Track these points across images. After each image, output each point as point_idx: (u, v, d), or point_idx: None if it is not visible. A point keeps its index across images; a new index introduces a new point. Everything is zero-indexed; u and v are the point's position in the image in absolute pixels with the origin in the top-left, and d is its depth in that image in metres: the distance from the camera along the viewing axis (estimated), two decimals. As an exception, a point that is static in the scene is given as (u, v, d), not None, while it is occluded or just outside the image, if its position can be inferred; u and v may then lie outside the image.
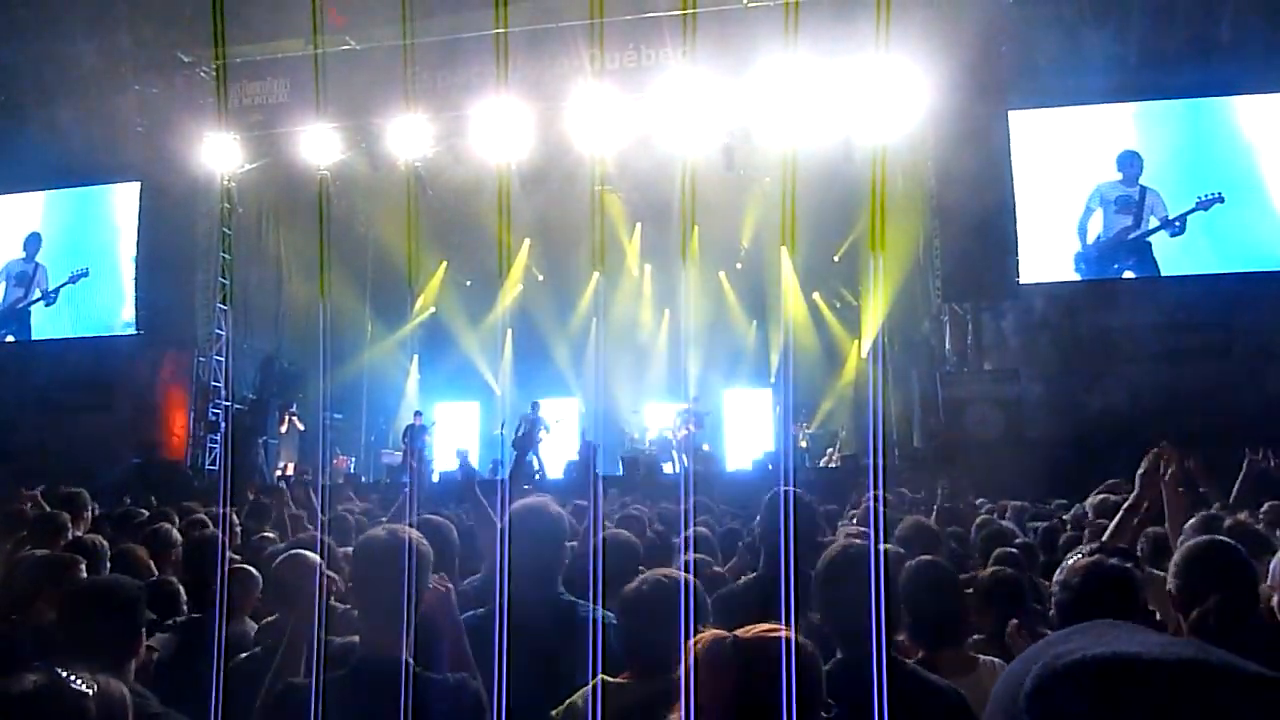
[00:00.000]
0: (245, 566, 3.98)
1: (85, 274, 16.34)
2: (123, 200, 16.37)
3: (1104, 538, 4.17)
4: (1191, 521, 4.13)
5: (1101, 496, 5.74)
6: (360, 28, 14.48)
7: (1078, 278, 13.73)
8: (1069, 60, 13.54)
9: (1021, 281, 13.65)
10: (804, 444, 15.98)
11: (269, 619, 3.64)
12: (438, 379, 19.66)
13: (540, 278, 19.44)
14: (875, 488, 5.26)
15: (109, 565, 4.12)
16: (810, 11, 12.92)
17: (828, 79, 13.08)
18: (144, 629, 2.76)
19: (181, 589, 3.79)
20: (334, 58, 14.46)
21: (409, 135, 14.60)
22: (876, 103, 12.92)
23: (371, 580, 2.44)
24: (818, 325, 18.07)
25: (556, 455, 16.17)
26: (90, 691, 1.49)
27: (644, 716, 2.26)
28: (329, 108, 14.45)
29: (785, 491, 3.44)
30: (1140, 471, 4.31)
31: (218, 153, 15.14)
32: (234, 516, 5.80)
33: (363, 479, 15.88)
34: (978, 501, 8.20)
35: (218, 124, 15.05)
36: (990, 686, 2.66)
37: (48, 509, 5.62)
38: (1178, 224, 13.37)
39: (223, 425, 15.57)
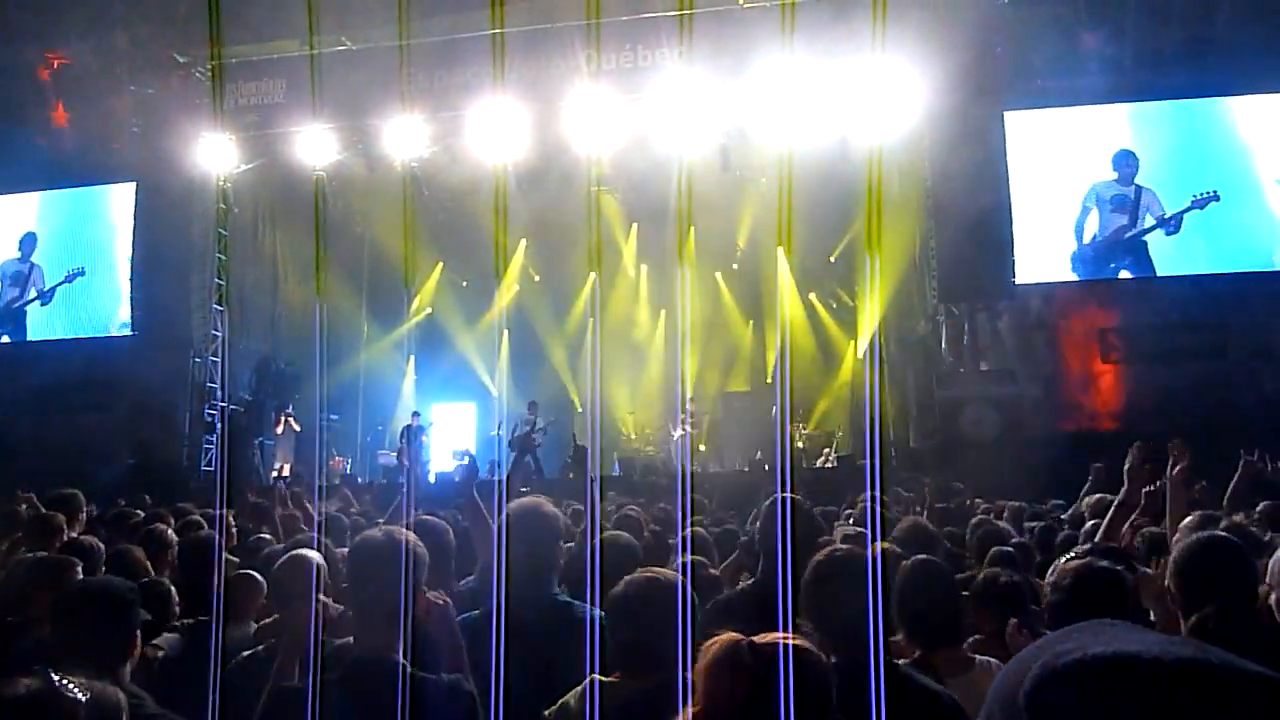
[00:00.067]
0: (250, 572, 3.98)
1: (81, 273, 16.31)
2: (118, 201, 16.34)
3: (1097, 537, 4.19)
4: (1188, 521, 4.14)
5: (1098, 496, 5.76)
6: (357, 28, 14.47)
7: (1074, 278, 13.75)
8: (1064, 61, 13.58)
9: (1017, 282, 13.67)
10: (800, 444, 15.98)
11: (266, 620, 3.64)
12: (434, 380, 19.63)
13: (537, 278, 19.43)
14: (872, 488, 5.25)
15: (105, 566, 4.11)
16: (806, 12, 12.93)
17: (824, 79, 13.09)
18: (139, 631, 2.75)
19: (173, 590, 3.78)
20: (330, 58, 14.44)
21: (405, 136, 14.58)
22: (872, 103, 12.93)
23: (366, 581, 2.44)
24: (814, 325, 18.07)
25: (553, 456, 16.17)
26: (84, 698, 1.48)
27: (634, 716, 2.26)
28: (325, 108, 14.43)
29: (783, 498, 3.44)
30: (1126, 467, 4.34)
31: (213, 153, 15.12)
32: (230, 518, 5.79)
33: (359, 480, 15.85)
34: (973, 502, 8.21)
35: (213, 124, 15.02)
36: (986, 687, 2.65)
37: (43, 510, 5.60)
38: (1173, 223, 13.40)
39: (218, 426, 15.54)
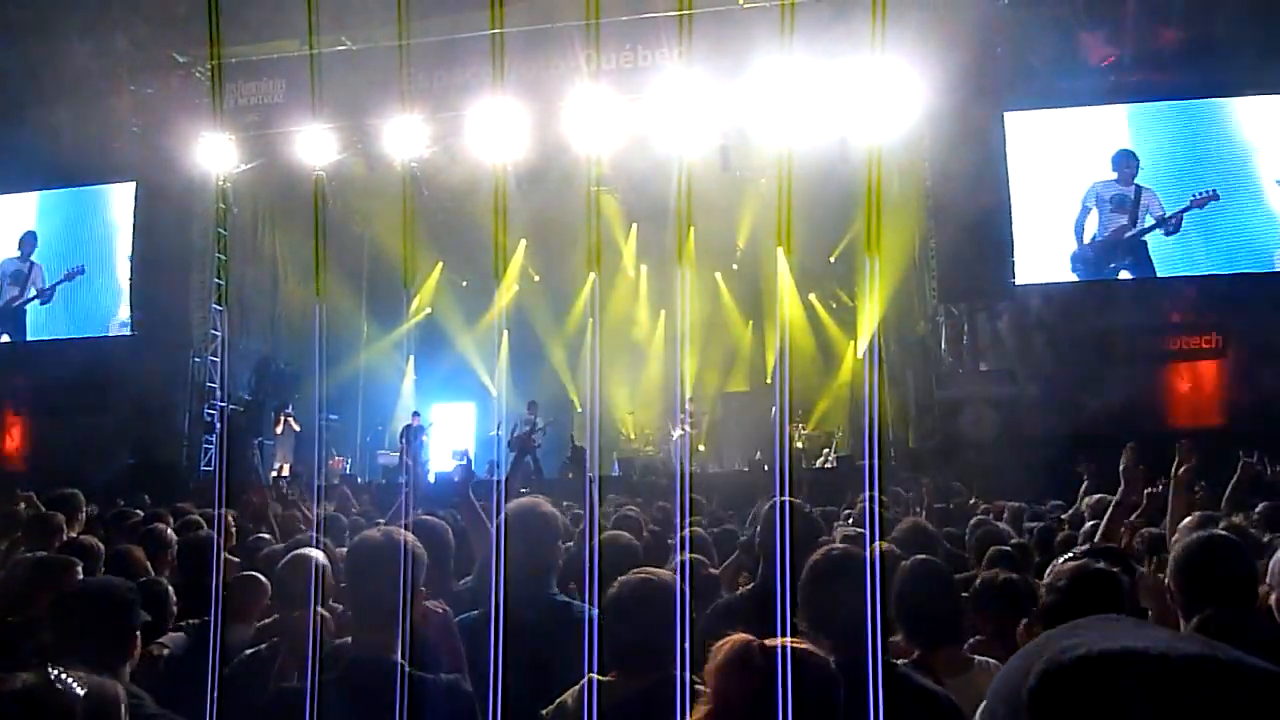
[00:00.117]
0: (254, 573, 3.98)
1: (81, 270, 16.31)
2: (118, 200, 16.34)
3: (1096, 537, 4.20)
4: (1187, 521, 4.15)
5: (1098, 496, 5.76)
6: (356, 28, 14.47)
7: (1074, 278, 13.75)
8: (1064, 61, 13.57)
9: (1017, 282, 13.66)
10: (800, 444, 15.98)
11: (265, 621, 3.64)
12: (433, 380, 19.63)
13: (536, 278, 19.44)
14: (871, 488, 5.26)
15: (105, 566, 4.11)
16: (806, 12, 12.93)
17: (824, 80, 13.09)
18: (138, 631, 2.75)
19: (171, 590, 3.78)
20: (330, 58, 14.44)
21: (405, 136, 14.58)
22: (872, 104, 12.93)
23: (364, 582, 2.44)
24: (814, 326, 18.08)
25: (552, 456, 16.17)
26: (82, 692, 1.48)
27: (631, 715, 2.26)
28: (325, 108, 14.42)
29: (782, 501, 3.43)
30: (1121, 468, 4.35)
31: (213, 153, 15.12)
32: (230, 518, 5.79)
33: (358, 480, 15.85)
34: (973, 502, 8.21)
35: (213, 124, 15.02)
36: (984, 686, 2.66)
37: (43, 510, 5.60)
38: (1173, 223, 13.40)
39: (218, 426, 15.54)
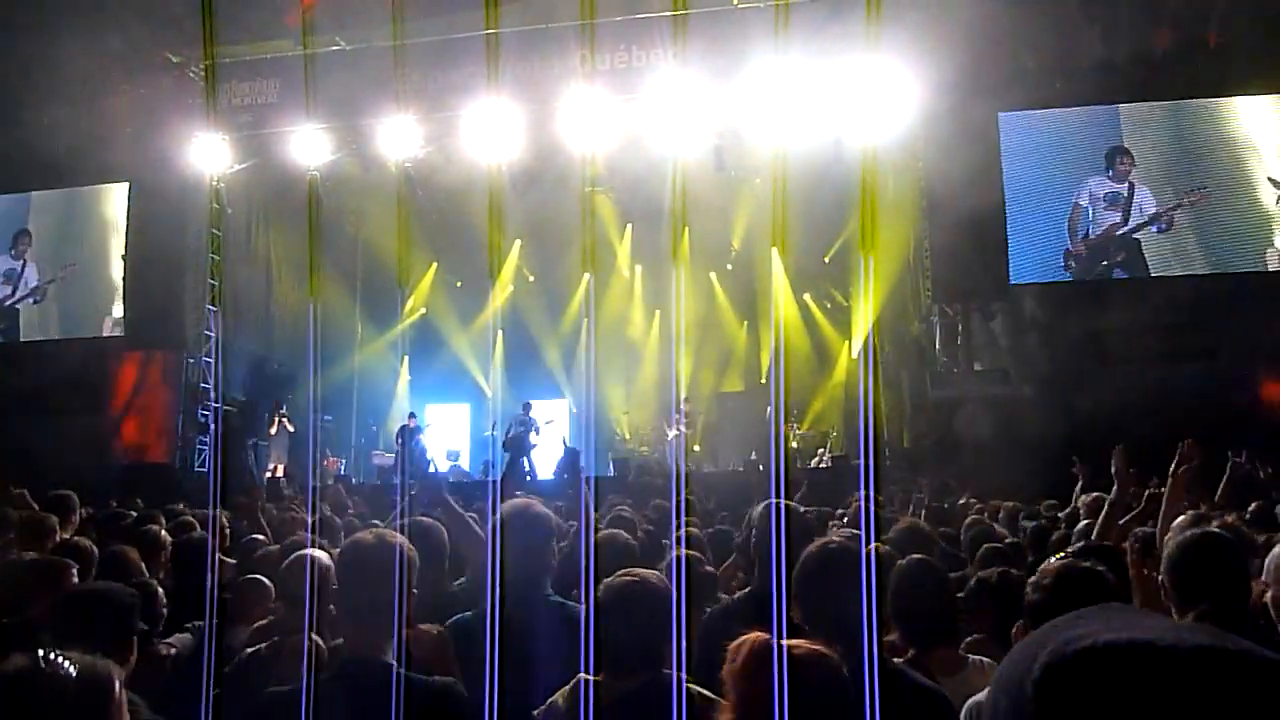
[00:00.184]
0: (257, 576, 3.97)
1: (75, 268, 16.26)
2: (112, 201, 16.30)
3: (1092, 536, 4.21)
4: (1180, 520, 4.15)
5: (1094, 495, 5.77)
6: (351, 28, 14.45)
7: (1068, 278, 13.78)
8: (1058, 62, 13.61)
9: (1011, 282, 13.70)
10: (795, 444, 15.99)
11: (260, 622, 3.64)
12: (428, 380, 19.60)
13: (531, 278, 19.42)
14: (865, 488, 5.26)
15: (100, 567, 4.09)
16: (801, 12, 12.95)
17: (818, 80, 13.10)
18: (136, 636, 2.75)
19: (160, 591, 3.78)
20: (324, 58, 14.41)
21: (399, 136, 14.56)
22: (867, 104, 12.94)
23: (356, 583, 2.43)
24: (808, 326, 18.08)
25: (547, 457, 16.15)
26: (74, 672, 1.49)
27: (620, 716, 2.26)
28: (319, 108, 14.40)
29: (777, 504, 3.43)
30: (1113, 470, 4.36)
31: (207, 153, 15.08)
32: (224, 519, 5.77)
33: (352, 480, 15.82)
34: (968, 502, 8.22)
35: (207, 124, 14.99)
36: (978, 685, 2.67)
37: (36, 510, 5.58)
38: (1165, 220, 13.44)
39: (212, 427, 15.50)
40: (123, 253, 16.05)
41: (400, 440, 16.63)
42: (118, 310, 16.05)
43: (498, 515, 3.16)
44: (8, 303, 16.49)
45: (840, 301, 18.08)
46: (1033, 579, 2.55)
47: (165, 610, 3.69)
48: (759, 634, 1.86)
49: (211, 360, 15.79)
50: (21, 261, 16.52)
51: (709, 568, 4.57)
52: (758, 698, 1.76)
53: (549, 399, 18.11)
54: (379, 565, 2.39)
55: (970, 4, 13.02)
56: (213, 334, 15.80)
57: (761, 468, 14.99)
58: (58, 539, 4.78)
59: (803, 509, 3.68)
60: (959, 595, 3.67)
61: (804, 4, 13.06)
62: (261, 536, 5.44)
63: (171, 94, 15.46)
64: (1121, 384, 12.45)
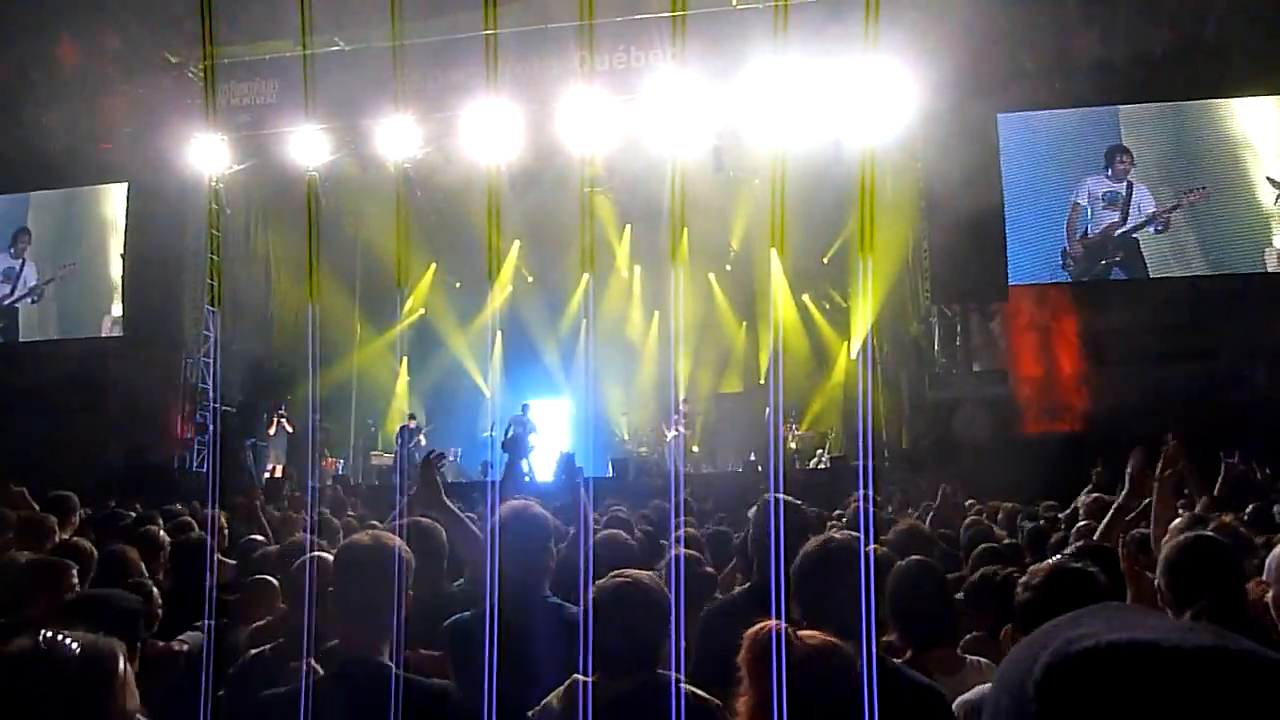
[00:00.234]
0: (265, 577, 3.98)
1: (74, 267, 16.25)
2: (110, 201, 16.29)
3: (1094, 537, 4.20)
4: (1177, 522, 4.15)
5: (1094, 496, 5.77)
6: (350, 28, 14.44)
7: (1066, 279, 13.79)
8: (1057, 63, 13.62)
9: (1010, 283, 13.70)
10: (794, 445, 15.99)
11: (259, 623, 3.64)
12: (427, 381, 19.59)
13: (530, 279, 19.42)
14: (864, 488, 5.26)
15: (99, 568, 4.09)
16: (800, 13, 12.95)
17: (817, 80, 13.10)
18: (140, 643, 2.75)
19: (155, 591, 3.78)
20: (323, 59, 14.41)
21: (398, 136, 14.56)
22: (866, 104, 12.94)
23: (352, 584, 2.43)
24: (807, 326, 18.08)
25: (546, 458, 16.14)
26: (77, 650, 1.49)
27: (613, 716, 2.26)
28: (318, 109, 14.40)
29: (776, 499, 3.43)
30: (1128, 472, 4.31)
31: (206, 154, 15.07)
32: (222, 519, 5.77)
33: (351, 481, 15.82)
34: (967, 503, 8.23)
35: (206, 125, 14.98)
36: (976, 685, 2.67)
37: (36, 510, 5.57)
38: (1162, 220, 13.45)
39: (211, 427, 15.50)
40: (121, 252, 16.05)
41: (400, 441, 16.63)
42: (116, 310, 16.05)
43: (496, 517, 3.16)
44: (6, 302, 16.49)
45: (839, 302, 18.07)
46: (1023, 579, 2.57)
47: (161, 611, 3.70)
48: (775, 622, 1.87)
49: (210, 360, 15.78)
50: (21, 261, 16.51)
51: (709, 568, 4.56)
52: (774, 686, 1.78)
53: (548, 399, 18.12)
54: (375, 567, 2.39)
55: (969, 4, 13.03)
56: (211, 334, 15.79)
57: (760, 468, 14.98)
58: (57, 539, 4.78)
59: (800, 503, 3.66)
60: (959, 595, 3.68)
61: (803, 4, 13.06)
62: (260, 537, 5.43)
63: (170, 94, 15.46)
64: (1120, 384, 12.47)
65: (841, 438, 16.46)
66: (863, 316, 15.48)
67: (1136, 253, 13.57)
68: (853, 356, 16.72)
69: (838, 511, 6.58)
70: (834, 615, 2.18)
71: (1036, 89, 13.62)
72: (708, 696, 2.38)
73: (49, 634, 1.50)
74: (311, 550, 3.32)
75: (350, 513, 8.05)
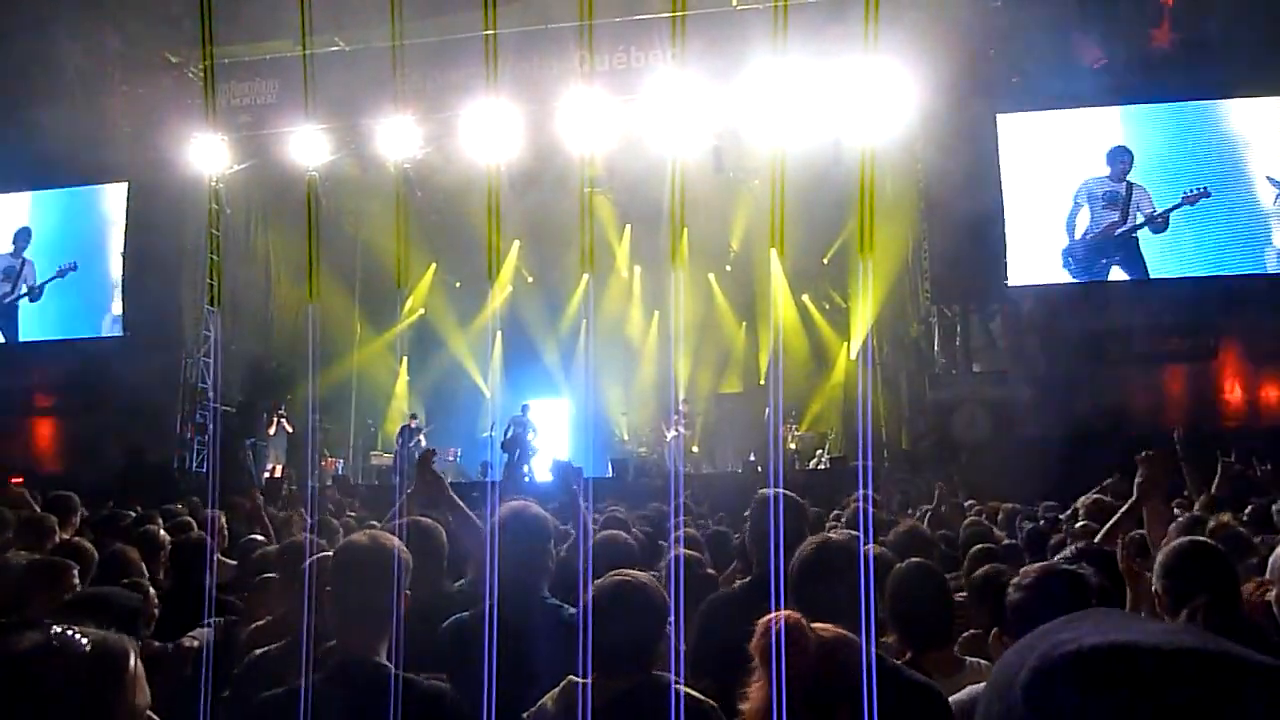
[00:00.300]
0: (272, 575, 3.98)
1: (74, 267, 16.26)
2: (110, 201, 16.30)
3: (1096, 539, 4.19)
4: (1179, 521, 4.15)
5: (1095, 498, 5.76)
6: (350, 28, 14.45)
7: (1066, 278, 13.79)
8: (1057, 64, 13.61)
9: (1010, 284, 13.70)
10: (793, 446, 16.00)
11: (259, 623, 3.64)
12: (427, 381, 19.61)
13: (530, 279, 19.44)
14: (864, 489, 5.26)
15: (100, 568, 4.09)
16: (800, 14, 12.95)
17: (817, 81, 13.10)
18: (139, 641, 2.75)
19: (152, 590, 3.79)
20: (323, 58, 14.42)
21: (398, 136, 14.56)
22: (866, 105, 12.95)
23: (350, 585, 2.44)
24: (807, 327, 18.10)
25: (544, 460, 16.15)
26: (88, 646, 1.50)
27: (610, 716, 2.27)
28: (318, 109, 14.40)
29: (775, 493, 3.43)
30: (1138, 480, 4.26)
31: (206, 154, 15.07)
32: (221, 519, 5.78)
33: (350, 481, 15.82)
34: (967, 504, 8.23)
35: (206, 125, 14.98)
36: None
37: (36, 510, 5.58)
38: (1161, 220, 13.46)
39: (210, 427, 15.50)
40: (122, 252, 16.05)
41: (401, 440, 16.64)
42: (116, 309, 16.05)
43: (496, 517, 3.17)
44: (7, 300, 16.49)
45: (839, 303, 18.09)
46: (1014, 580, 2.58)
47: (157, 610, 3.70)
48: (789, 612, 1.89)
49: (210, 360, 15.79)
50: (21, 260, 16.52)
51: (709, 569, 4.56)
52: (789, 673, 1.79)
53: (548, 399, 18.13)
54: (373, 567, 2.39)
55: (969, 4, 13.05)
56: (211, 334, 15.80)
57: (760, 469, 14.99)
58: (57, 539, 4.78)
59: (798, 498, 3.67)
60: (961, 595, 3.69)
61: (803, 5, 13.06)
62: (260, 537, 5.44)
63: (170, 94, 15.46)
64: (1120, 384, 12.48)
65: (841, 438, 16.47)
66: (862, 317, 15.50)
67: (1136, 253, 13.58)
68: (852, 357, 16.73)
69: (836, 512, 6.58)
70: (830, 615, 2.18)
71: (1036, 89, 13.61)
72: (703, 698, 2.38)
73: (60, 629, 1.50)
74: (311, 550, 3.33)
75: (350, 513, 8.05)
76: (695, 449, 17.20)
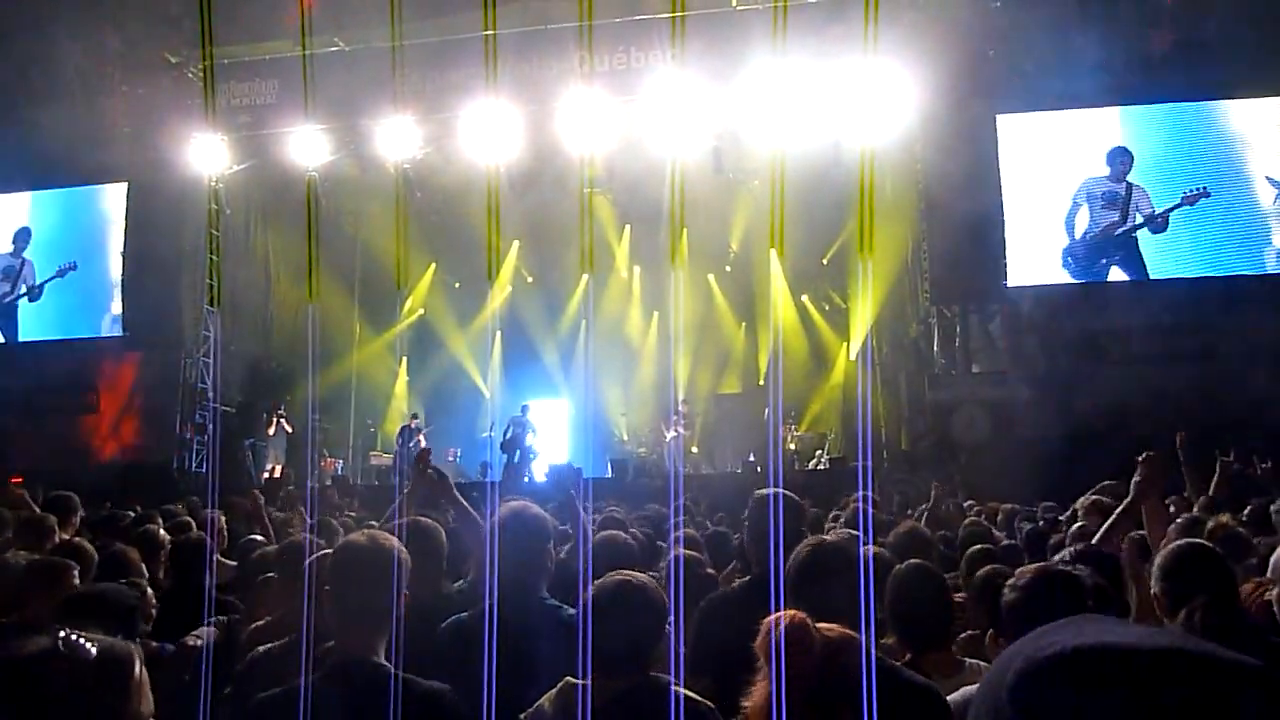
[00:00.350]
0: (274, 575, 3.98)
1: (73, 267, 16.27)
2: (110, 201, 16.31)
3: (1094, 540, 4.19)
4: (1179, 521, 4.15)
5: (1095, 499, 5.76)
6: (350, 29, 14.45)
7: (1066, 279, 13.79)
8: (1056, 64, 13.62)
9: (1009, 284, 13.71)
10: (793, 446, 16.00)
11: (259, 622, 3.64)
12: (426, 381, 19.61)
13: (529, 280, 19.44)
14: (863, 489, 5.26)
15: (100, 567, 4.09)
16: (799, 14, 12.96)
17: (817, 82, 13.11)
18: (139, 639, 2.75)
19: (150, 590, 3.79)
20: (323, 59, 14.42)
21: (398, 137, 14.57)
22: (865, 106, 12.95)
23: (349, 585, 2.44)
24: (806, 327, 18.10)
25: (544, 458, 16.15)
26: (94, 652, 1.50)
27: (608, 717, 2.27)
28: (318, 109, 14.40)
29: (773, 493, 3.43)
30: (1135, 480, 4.26)
31: (205, 154, 15.07)
32: (221, 519, 5.78)
33: (349, 481, 15.83)
34: (966, 504, 8.24)
35: (205, 125, 14.98)
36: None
37: (36, 510, 5.58)
38: (1160, 220, 13.46)
39: (210, 427, 15.50)
40: (121, 252, 16.05)
41: (401, 440, 16.64)
42: (116, 309, 16.05)
43: (495, 517, 3.17)
44: (7, 300, 16.49)
45: (838, 303, 18.09)
46: (1010, 580, 2.59)
47: (155, 610, 3.71)
48: (794, 611, 1.89)
49: (209, 360, 15.79)
50: (20, 260, 16.52)
51: (709, 570, 4.56)
52: (791, 676, 1.79)
53: (547, 399, 18.13)
54: (372, 567, 2.39)
55: (969, 5, 13.05)
56: (211, 334, 15.80)
57: (759, 469, 14.99)
58: (57, 539, 4.78)
59: (796, 497, 3.67)
60: (961, 595, 3.69)
61: (803, 6, 13.07)
62: (260, 537, 5.44)
63: (170, 94, 15.46)
64: (1119, 385, 12.47)
65: (841, 438, 16.47)
66: (862, 317, 15.50)
67: (1136, 253, 13.59)
68: (852, 357, 16.73)
69: (835, 512, 6.58)
70: (828, 616, 2.19)
71: (1036, 89, 13.62)
72: (701, 699, 2.38)
73: (66, 634, 1.50)
74: (311, 550, 3.33)
75: (350, 513, 8.05)
76: (695, 449, 17.20)
